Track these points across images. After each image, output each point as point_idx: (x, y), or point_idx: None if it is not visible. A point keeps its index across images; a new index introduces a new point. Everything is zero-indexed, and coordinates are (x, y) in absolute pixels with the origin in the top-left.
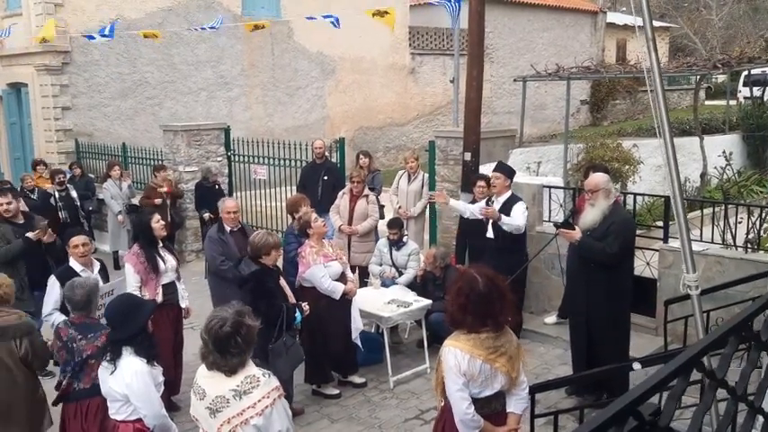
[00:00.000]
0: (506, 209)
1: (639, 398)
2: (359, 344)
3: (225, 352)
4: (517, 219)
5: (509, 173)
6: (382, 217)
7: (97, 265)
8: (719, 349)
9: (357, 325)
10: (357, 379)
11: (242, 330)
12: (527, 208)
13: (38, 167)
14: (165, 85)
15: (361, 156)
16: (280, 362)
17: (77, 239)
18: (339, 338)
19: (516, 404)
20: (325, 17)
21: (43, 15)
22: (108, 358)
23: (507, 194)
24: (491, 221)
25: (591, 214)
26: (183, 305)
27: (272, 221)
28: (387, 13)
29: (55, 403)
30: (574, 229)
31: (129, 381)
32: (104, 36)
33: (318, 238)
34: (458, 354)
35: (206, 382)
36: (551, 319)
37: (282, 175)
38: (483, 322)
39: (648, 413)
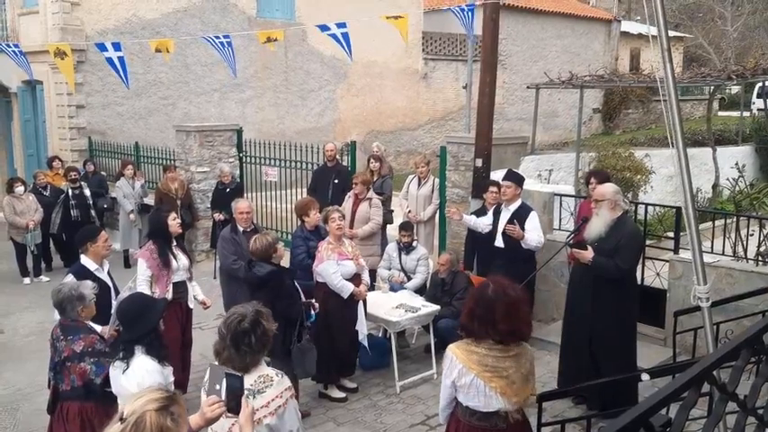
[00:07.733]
0: (517, 217)
1: (650, 409)
2: (365, 344)
3: (239, 348)
4: (539, 234)
5: (519, 181)
6: (391, 222)
7: (107, 265)
8: (731, 362)
9: (362, 329)
10: (349, 383)
11: (258, 330)
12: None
13: (53, 164)
14: (178, 85)
15: (372, 160)
16: (306, 359)
17: (105, 234)
18: (345, 337)
19: None
20: (338, 26)
21: (60, 14)
22: (120, 357)
23: (518, 203)
24: (501, 230)
25: (595, 225)
26: (199, 299)
27: (282, 223)
28: (400, 17)
29: (49, 408)
30: (586, 249)
31: (140, 380)
32: (117, 51)
33: (335, 236)
34: (453, 359)
35: None
36: None
37: (293, 177)
38: (486, 330)
39: (659, 424)
